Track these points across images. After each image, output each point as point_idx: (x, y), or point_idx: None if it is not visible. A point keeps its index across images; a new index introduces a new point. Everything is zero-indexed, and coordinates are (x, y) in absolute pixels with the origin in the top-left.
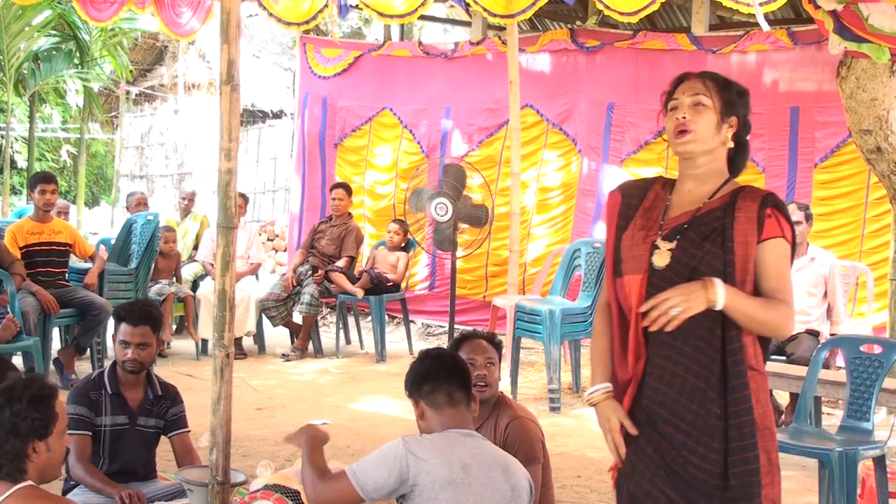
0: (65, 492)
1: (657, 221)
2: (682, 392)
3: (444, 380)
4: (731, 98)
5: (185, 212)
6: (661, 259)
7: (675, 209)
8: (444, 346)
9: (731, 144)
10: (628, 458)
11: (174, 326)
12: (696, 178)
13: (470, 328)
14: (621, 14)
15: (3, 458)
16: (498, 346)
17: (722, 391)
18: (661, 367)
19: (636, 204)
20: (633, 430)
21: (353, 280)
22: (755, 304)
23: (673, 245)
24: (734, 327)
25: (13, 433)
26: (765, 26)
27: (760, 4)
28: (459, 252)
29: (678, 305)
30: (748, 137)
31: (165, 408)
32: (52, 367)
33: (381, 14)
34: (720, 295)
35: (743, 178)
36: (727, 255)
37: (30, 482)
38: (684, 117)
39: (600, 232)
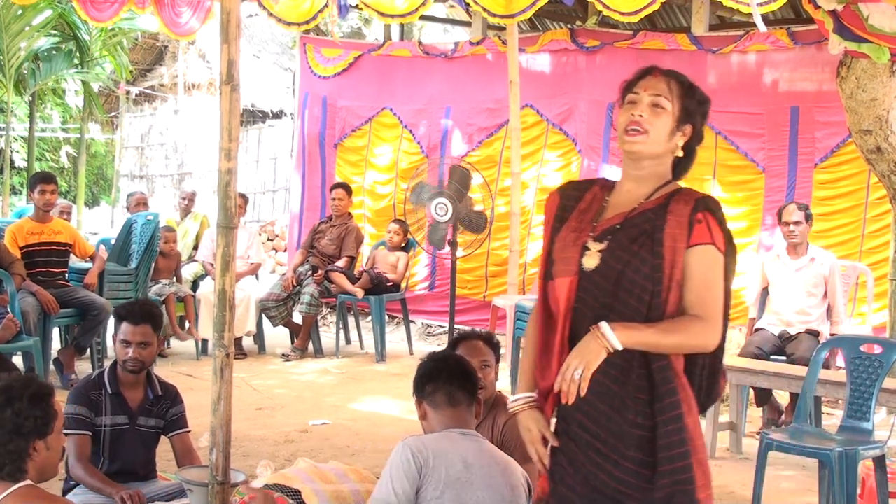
0: (65, 492)
1: (591, 222)
2: (599, 396)
3: (445, 381)
4: (692, 106)
5: (186, 212)
6: (591, 261)
7: (610, 210)
8: (444, 346)
9: (680, 154)
10: (551, 468)
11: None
12: (637, 180)
13: (469, 328)
14: (621, 14)
15: (6, 458)
16: (495, 346)
17: (643, 399)
18: None
19: (573, 205)
20: (553, 441)
21: (353, 280)
22: (658, 332)
23: (603, 246)
24: None
25: (16, 432)
26: (761, 27)
27: (759, 5)
28: (459, 252)
29: (577, 367)
30: (698, 147)
31: (165, 408)
32: (52, 367)
33: (381, 14)
34: (612, 339)
35: (743, 178)
36: (655, 259)
37: (29, 481)
38: (640, 115)
39: None
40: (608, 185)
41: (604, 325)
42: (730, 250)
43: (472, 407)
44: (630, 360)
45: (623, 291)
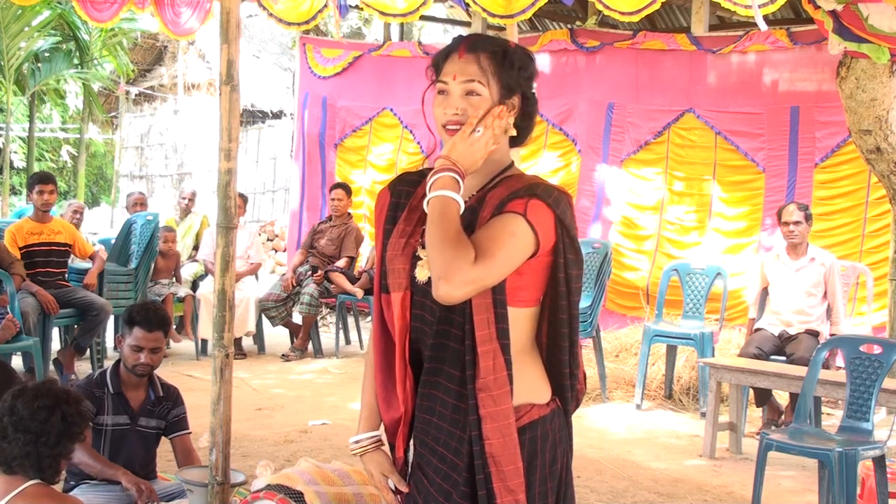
0: (65, 492)
1: (420, 225)
2: (442, 416)
3: None
4: (511, 78)
5: (186, 211)
6: (424, 272)
7: None
8: None
9: (514, 132)
10: None
11: (174, 326)
12: (472, 172)
13: None
14: (621, 14)
15: (51, 461)
16: None
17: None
18: (423, 396)
19: (404, 203)
20: (402, 487)
21: (353, 280)
22: (451, 227)
23: None
24: (471, 336)
25: (66, 436)
26: (762, 26)
27: (760, 6)
28: None
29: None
30: (534, 110)
31: (167, 409)
32: (51, 367)
33: (381, 14)
34: (446, 183)
35: (743, 178)
36: None
37: (38, 480)
38: (455, 112)
39: (598, 232)
40: None
41: (457, 181)
42: (565, 244)
43: None
44: (465, 371)
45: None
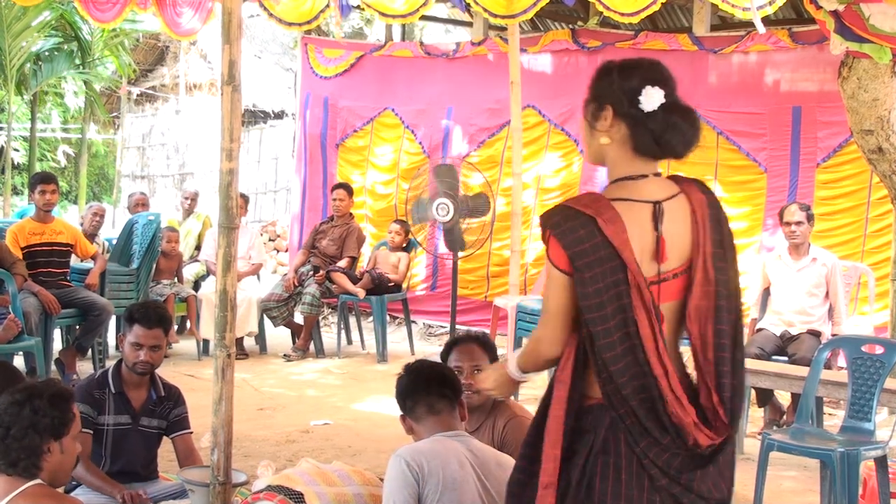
0: (67, 492)
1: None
2: None
3: (423, 392)
4: (593, 94)
5: (188, 212)
6: None
7: None
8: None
9: (606, 140)
10: None
11: (175, 327)
12: None
13: (470, 329)
14: (621, 14)
15: (21, 453)
16: (491, 348)
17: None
18: None
19: None
20: None
21: (355, 280)
22: (522, 350)
23: None
24: None
25: (32, 428)
26: (761, 28)
27: (758, 7)
28: (466, 248)
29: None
30: (645, 113)
31: (168, 409)
32: (53, 367)
33: (382, 14)
34: (510, 367)
35: (745, 178)
36: None
37: (39, 480)
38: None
39: None
40: None
41: (511, 359)
42: (577, 266)
43: (455, 410)
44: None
45: None
